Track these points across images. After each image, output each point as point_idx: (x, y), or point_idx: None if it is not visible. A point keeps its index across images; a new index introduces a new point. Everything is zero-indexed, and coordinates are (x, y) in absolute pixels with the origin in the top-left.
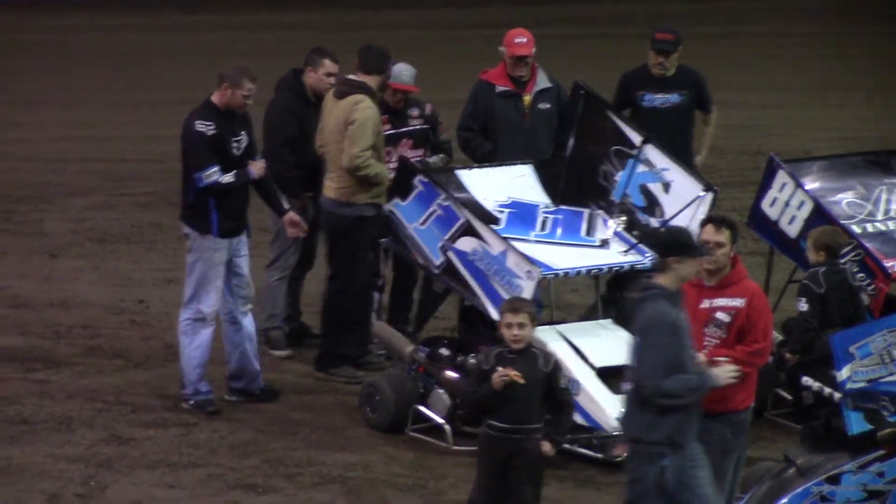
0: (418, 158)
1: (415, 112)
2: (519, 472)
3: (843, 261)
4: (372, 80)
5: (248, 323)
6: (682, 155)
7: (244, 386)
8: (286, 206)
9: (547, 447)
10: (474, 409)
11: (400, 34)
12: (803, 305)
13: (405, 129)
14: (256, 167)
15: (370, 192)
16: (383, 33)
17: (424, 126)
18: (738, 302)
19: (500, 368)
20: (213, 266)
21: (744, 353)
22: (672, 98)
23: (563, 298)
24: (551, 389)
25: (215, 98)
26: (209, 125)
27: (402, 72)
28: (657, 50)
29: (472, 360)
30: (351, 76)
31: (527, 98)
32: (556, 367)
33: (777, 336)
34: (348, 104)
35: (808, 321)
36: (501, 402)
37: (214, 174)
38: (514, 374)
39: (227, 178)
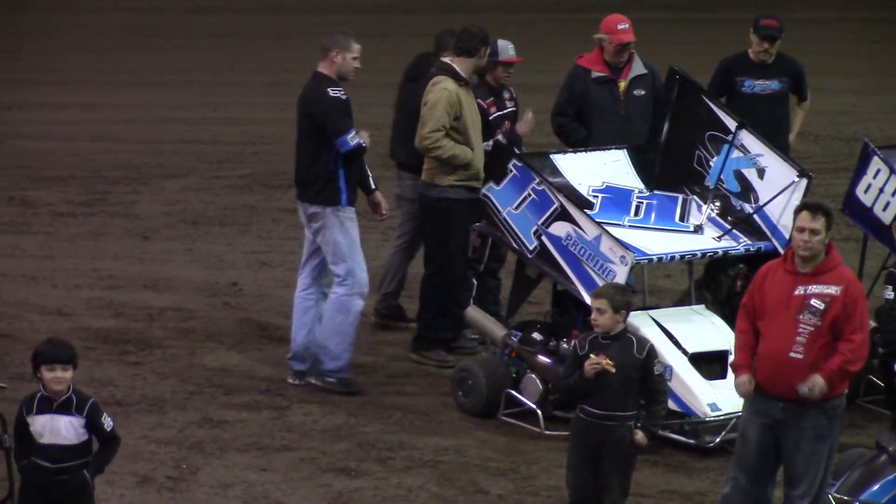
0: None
1: (507, 94)
2: (610, 459)
3: None
4: (462, 63)
5: (327, 305)
6: (777, 142)
7: (306, 369)
8: (373, 185)
9: (640, 436)
10: (567, 395)
11: (488, 17)
12: (889, 293)
13: (507, 110)
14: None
15: (455, 175)
16: (470, 16)
17: (516, 108)
18: (833, 289)
19: (592, 355)
20: (354, 236)
21: (848, 352)
22: (772, 85)
23: (656, 284)
24: (645, 376)
25: (325, 69)
26: (340, 90)
27: (509, 47)
28: (762, 36)
29: (565, 345)
30: (444, 58)
31: (622, 84)
32: (651, 354)
33: (871, 324)
34: (430, 85)
35: (894, 309)
36: (594, 389)
37: (356, 137)
38: (605, 363)
39: (366, 139)
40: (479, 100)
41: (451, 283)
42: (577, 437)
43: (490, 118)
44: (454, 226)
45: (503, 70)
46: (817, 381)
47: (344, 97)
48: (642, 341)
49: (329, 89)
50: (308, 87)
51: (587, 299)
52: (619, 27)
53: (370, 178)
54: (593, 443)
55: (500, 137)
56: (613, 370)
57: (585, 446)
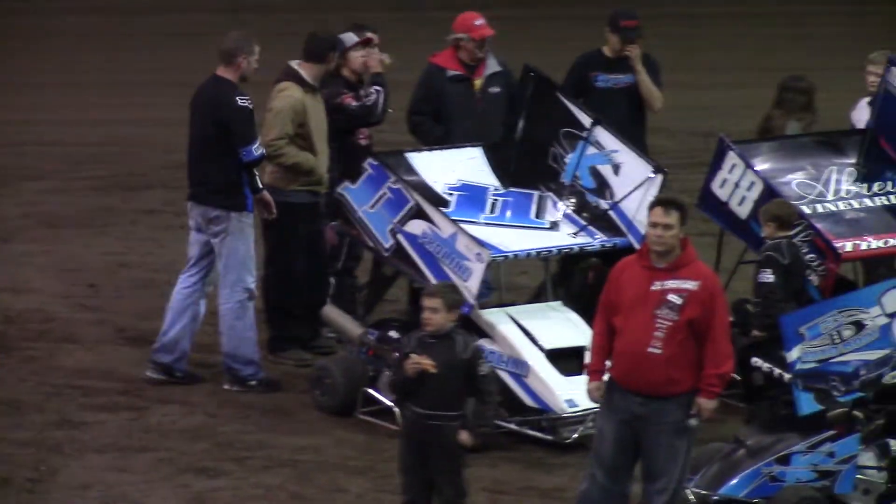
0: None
1: (371, 89)
2: (437, 460)
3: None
4: (310, 69)
5: (203, 303)
6: (634, 136)
7: (170, 362)
8: (260, 185)
9: (464, 436)
10: (395, 393)
11: (346, 15)
12: (769, 276)
13: (369, 99)
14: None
15: (299, 181)
16: (330, 15)
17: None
18: (690, 284)
19: (413, 355)
20: (250, 242)
21: (717, 356)
22: (626, 79)
23: (512, 281)
24: (470, 377)
25: (228, 73)
26: (248, 99)
27: (350, 34)
28: (624, 38)
29: None
30: (292, 62)
31: (478, 82)
32: (476, 355)
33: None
34: (274, 91)
35: (775, 292)
36: (418, 387)
37: (260, 147)
38: (425, 363)
39: (262, 149)
40: (342, 96)
41: (292, 284)
42: (405, 436)
43: (351, 108)
44: (295, 229)
45: (357, 55)
46: (704, 407)
47: (251, 106)
48: (467, 341)
49: (238, 98)
50: (211, 92)
51: None
52: (477, 23)
53: (257, 178)
54: (420, 443)
55: (361, 140)
56: (434, 370)
57: (413, 446)
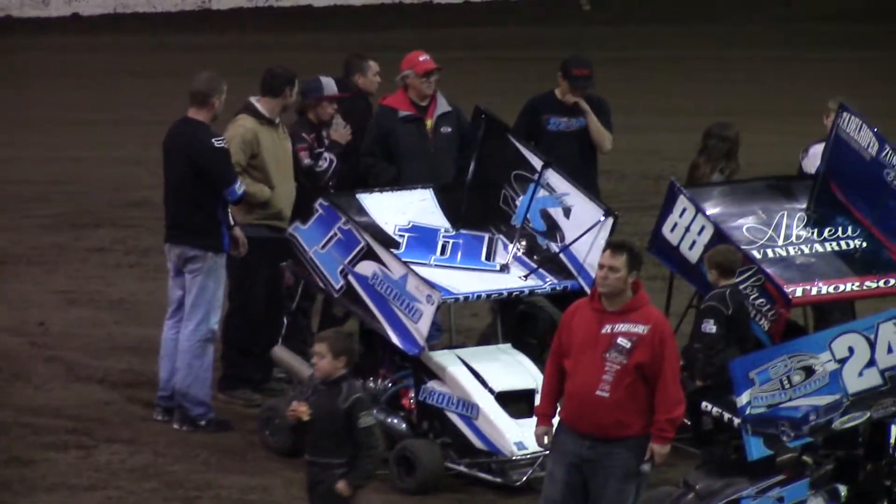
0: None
1: (326, 155)
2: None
3: (742, 286)
4: (266, 103)
5: (182, 353)
6: (585, 179)
7: (192, 414)
8: (232, 221)
9: (341, 485)
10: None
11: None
12: (711, 327)
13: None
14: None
15: (253, 214)
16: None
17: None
18: (640, 328)
19: (294, 402)
20: (221, 282)
21: (667, 401)
22: (578, 122)
23: (462, 323)
24: (349, 428)
25: (199, 115)
26: (222, 140)
27: (331, 82)
28: (575, 87)
29: (371, 384)
30: (251, 97)
31: (429, 122)
32: (356, 406)
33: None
34: (230, 123)
35: (717, 343)
36: (302, 433)
37: (242, 185)
38: (300, 410)
39: (244, 188)
40: (299, 147)
41: (251, 322)
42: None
43: (302, 164)
44: (254, 265)
45: (328, 105)
46: (657, 453)
47: (227, 146)
48: (351, 392)
49: (213, 140)
50: (188, 136)
51: (394, 339)
52: (421, 59)
53: (230, 215)
54: (310, 486)
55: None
56: (307, 418)
57: (307, 490)
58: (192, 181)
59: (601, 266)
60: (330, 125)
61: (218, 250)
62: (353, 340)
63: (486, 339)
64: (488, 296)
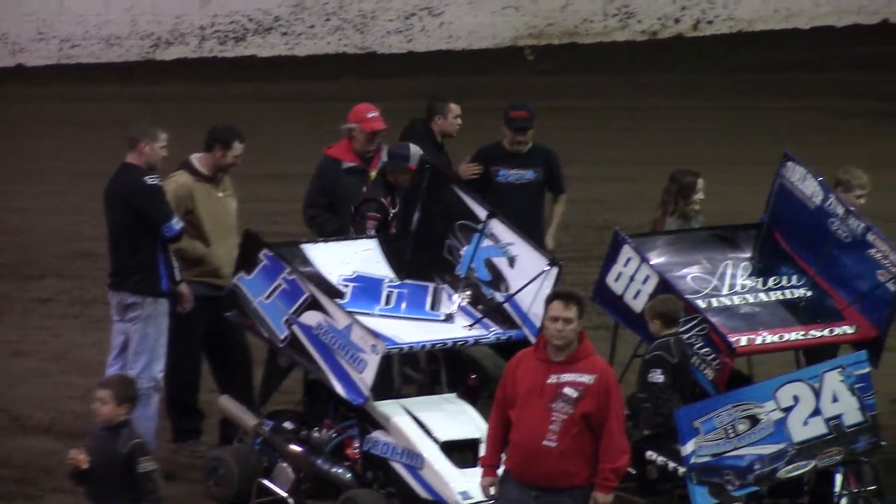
0: None
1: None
2: None
3: (687, 335)
4: (203, 159)
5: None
6: (533, 231)
7: None
8: (178, 277)
9: None
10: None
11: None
12: (659, 377)
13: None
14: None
15: (190, 270)
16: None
17: None
18: (586, 378)
19: (72, 450)
20: (164, 330)
21: (612, 451)
22: (527, 174)
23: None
24: (129, 473)
25: (134, 160)
26: (156, 177)
27: (419, 153)
28: (514, 128)
29: (317, 434)
30: (193, 154)
31: (373, 173)
32: (135, 450)
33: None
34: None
35: (664, 392)
36: (82, 481)
37: (179, 221)
38: (78, 459)
39: (182, 224)
40: (380, 198)
41: (190, 376)
42: None
43: (389, 216)
44: (190, 321)
45: (409, 175)
46: (600, 502)
47: (160, 184)
48: (130, 437)
49: (146, 178)
50: (121, 179)
51: (339, 389)
52: (369, 115)
53: (176, 270)
54: None
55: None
56: (85, 466)
57: None
58: (129, 225)
59: (555, 318)
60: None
61: (156, 295)
62: (134, 388)
63: (427, 389)
64: (433, 346)
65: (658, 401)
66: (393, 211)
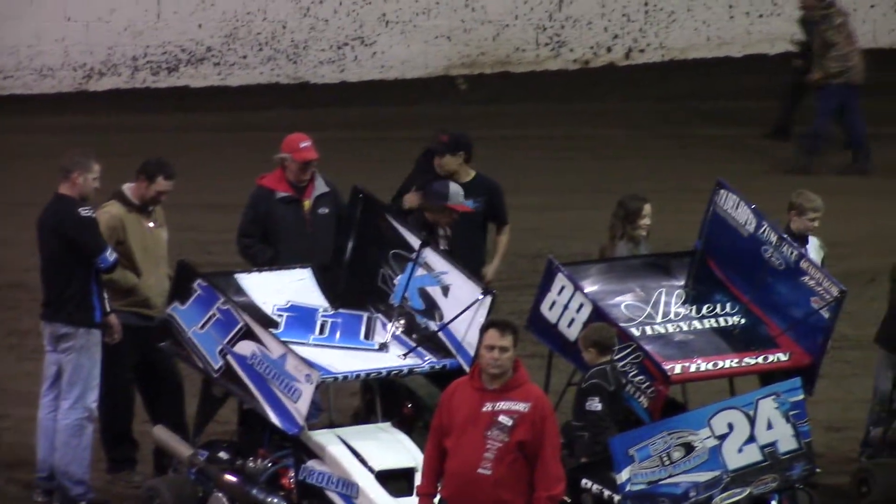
0: None
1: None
2: None
3: (621, 363)
4: (134, 188)
5: (60, 431)
6: (472, 261)
7: (72, 494)
8: (108, 308)
9: None
10: None
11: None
12: (596, 405)
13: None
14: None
15: (120, 300)
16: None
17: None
18: (521, 406)
19: None
20: (97, 360)
21: (548, 479)
22: (469, 204)
23: (341, 402)
24: None
25: (67, 190)
26: (90, 209)
27: (459, 192)
28: (435, 151)
29: (251, 464)
30: (125, 184)
31: (307, 203)
32: None
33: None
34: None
35: (603, 420)
36: None
37: (113, 253)
38: None
39: (115, 255)
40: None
41: (122, 405)
42: None
43: None
44: (120, 351)
45: (448, 213)
46: None
47: (94, 216)
48: None
49: (79, 209)
50: (54, 210)
51: (273, 418)
52: (302, 145)
53: (106, 301)
54: None
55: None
56: None
57: None
58: (63, 255)
59: (491, 347)
60: (438, 229)
61: (90, 326)
62: None
63: (362, 418)
64: (367, 375)
65: (596, 429)
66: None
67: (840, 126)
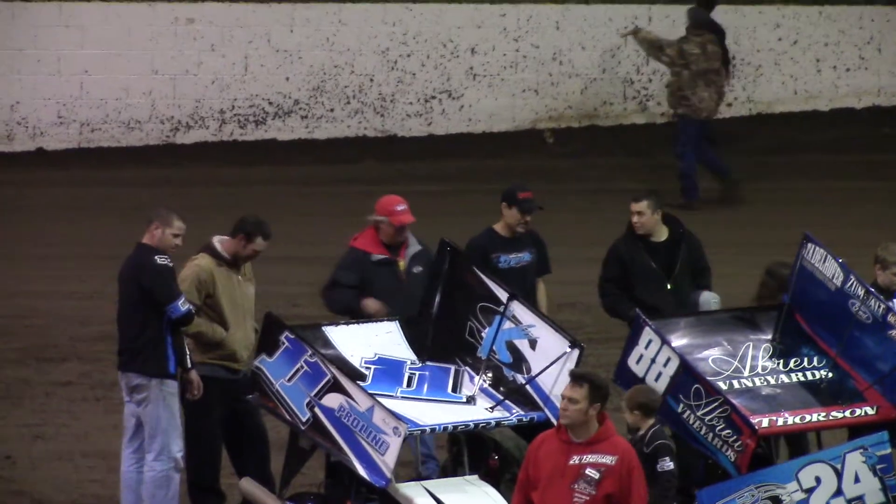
0: None
1: None
2: None
3: (709, 417)
4: (227, 244)
5: (147, 483)
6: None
7: None
8: (190, 363)
9: None
10: None
11: (270, 189)
12: (668, 464)
13: None
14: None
15: (208, 353)
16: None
17: None
18: (608, 459)
19: None
20: (174, 411)
21: None
22: (525, 256)
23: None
24: None
25: (147, 240)
26: (167, 258)
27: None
28: (523, 210)
29: None
30: (214, 237)
31: (402, 263)
32: None
33: None
34: (189, 260)
35: (676, 478)
36: None
37: (186, 303)
38: None
39: (189, 305)
40: None
41: (209, 457)
42: None
43: None
44: (207, 404)
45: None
46: None
47: (170, 265)
48: None
49: (156, 257)
50: (133, 258)
51: (360, 471)
52: (398, 208)
53: (188, 357)
54: None
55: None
56: None
57: None
58: (137, 304)
59: (563, 397)
60: None
61: (163, 376)
62: None
63: (450, 471)
64: (455, 427)
65: (671, 488)
66: None
67: None
